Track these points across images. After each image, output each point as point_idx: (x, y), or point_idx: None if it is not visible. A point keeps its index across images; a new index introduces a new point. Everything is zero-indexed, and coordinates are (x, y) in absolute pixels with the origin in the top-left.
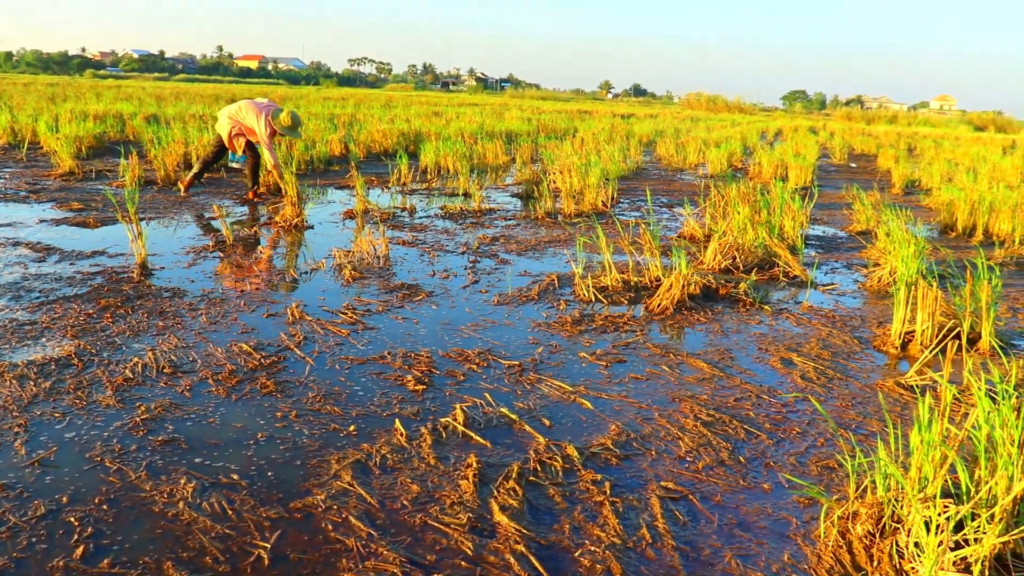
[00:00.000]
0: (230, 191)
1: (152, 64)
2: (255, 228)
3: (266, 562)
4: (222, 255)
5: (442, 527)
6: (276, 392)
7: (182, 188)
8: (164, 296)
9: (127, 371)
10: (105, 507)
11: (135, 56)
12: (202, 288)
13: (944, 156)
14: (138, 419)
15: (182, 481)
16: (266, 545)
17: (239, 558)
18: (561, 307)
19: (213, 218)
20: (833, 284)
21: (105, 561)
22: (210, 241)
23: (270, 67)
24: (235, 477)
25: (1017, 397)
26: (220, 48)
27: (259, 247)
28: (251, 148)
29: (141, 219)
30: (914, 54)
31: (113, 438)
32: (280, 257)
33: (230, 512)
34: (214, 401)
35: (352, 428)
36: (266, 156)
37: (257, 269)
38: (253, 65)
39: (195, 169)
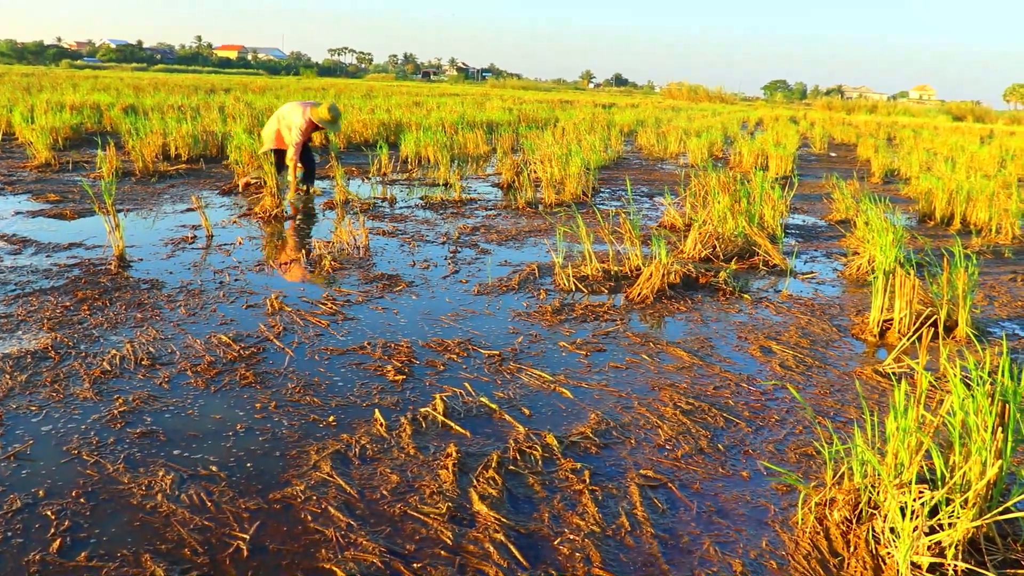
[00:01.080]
0: (209, 182)
1: (130, 54)
2: (234, 219)
3: (245, 553)
4: (201, 246)
5: (422, 517)
6: (255, 383)
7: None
8: (142, 288)
9: (105, 363)
10: (82, 500)
11: (112, 46)
12: (181, 280)
13: (923, 145)
14: (116, 412)
15: (160, 473)
16: (245, 536)
17: (218, 550)
18: (541, 297)
19: (192, 209)
20: (813, 273)
21: (82, 554)
22: (189, 232)
23: (250, 57)
24: (214, 469)
25: (991, 384)
26: (199, 38)
27: (238, 238)
28: (281, 157)
29: (119, 211)
30: (894, 44)
31: (91, 431)
32: (259, 248)
33: (209, 504)
34: (193, 393)
35: (332, 419)
36: (290, 151)
37: (236, 260)
38: (233, 55)
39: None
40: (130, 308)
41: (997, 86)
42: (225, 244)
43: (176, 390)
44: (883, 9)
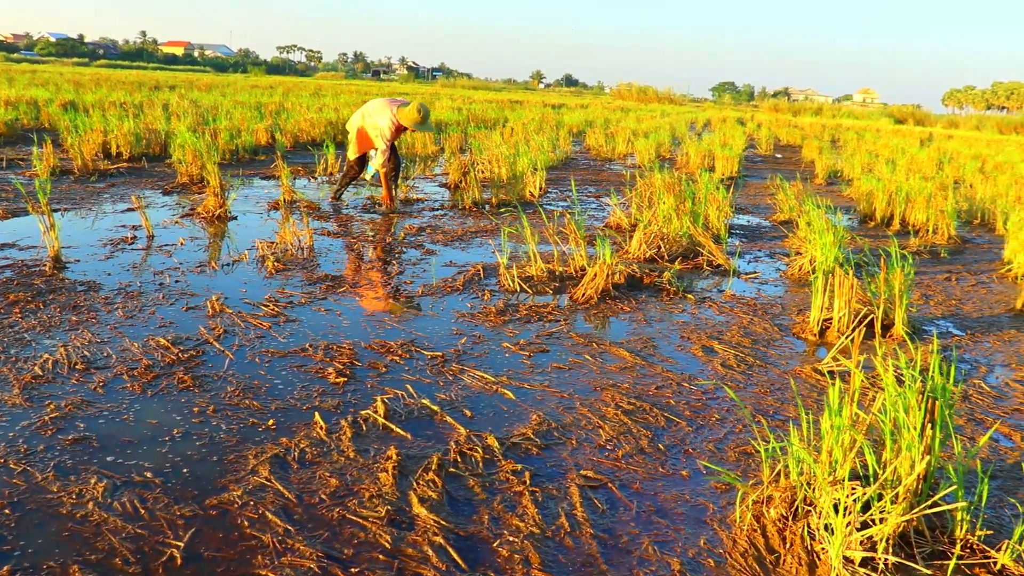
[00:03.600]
0: (151, 181)
1: (71, 48)
2: (176, 219)
3: (179, 561)
4: (141, 247)
5: (361, 520)
6: (194, 387)
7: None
8: (78, 290)
9: (36, 368)
10: (7, 511)
11: (52, 40)
12: (119, 281)
13: (865, 147)
14: (47, 418)
15: (92, 481)
16: (179, 544)
17: (151, 558)
18: (486, 297)
19: (132, 209)
20: (755, 273)
21: (5, 568)
22: (129, 233)
23: (196, 54)
24: (148, 475)
25: (921, 382)
26: (144, 33)
27: (180, 239)
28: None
29: (56, 210)
30: (840, 48)
31: (19, 438)
32: (201, 249)
33: (142, 511)
34: (128, 397)
35: (271, 422)
36: (378, 159)
37: (177, 261)
38: (179, 51)
39: (339, 185)
40: (65, 311)
41: (936, 91)
42: (166, 245)
43: (111, 395)
44: (829, 14)
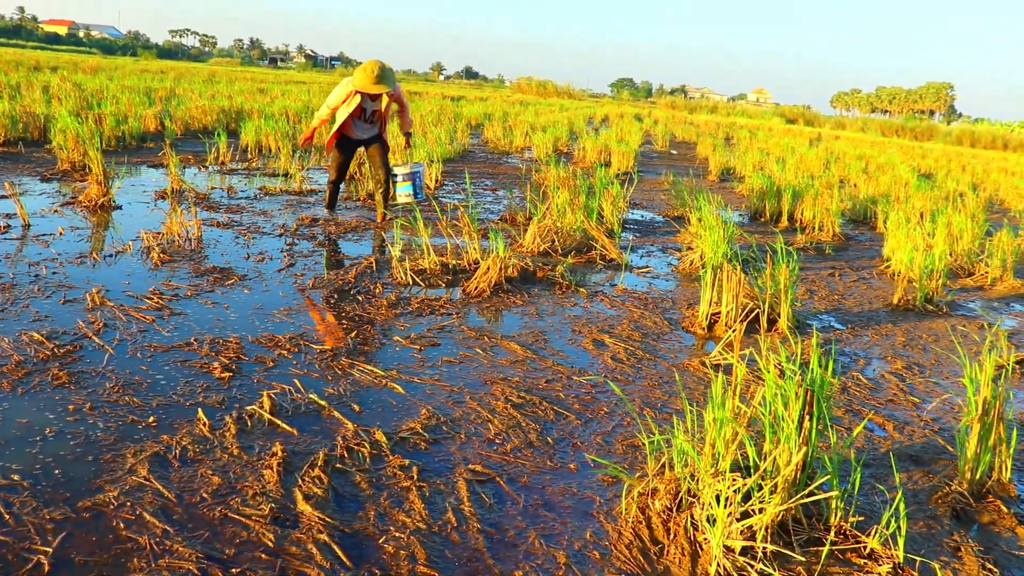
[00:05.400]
0: (29, 167)
1: None
2: (56, 208)
3: (46, 568)
4: (16, 236)
5: (243, 519)
6: (70, 384)
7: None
8: None
9: None
10: None
11: None
12: None
13: (758, 146)
14: None
15: None
16: (47, 550)
17: (14, 567)
18: (378, 290)
19: (5, 196)
20: (648, 267)
21: None
22: (1, 221)
23: (81, 34)
24: (15, 478)
25: (801, 375)
26: (22, 9)
27: (59, 228)
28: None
29: None
30: (735, 50)
31: None
32: (82, 239)
33: (7, 517)
34: None
35: (152, 419)
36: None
37: (55, 252)
38: (62, 31)
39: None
40: None
41: (826, 93)
42: (44, 235)
43: None
44: (726, 18)
